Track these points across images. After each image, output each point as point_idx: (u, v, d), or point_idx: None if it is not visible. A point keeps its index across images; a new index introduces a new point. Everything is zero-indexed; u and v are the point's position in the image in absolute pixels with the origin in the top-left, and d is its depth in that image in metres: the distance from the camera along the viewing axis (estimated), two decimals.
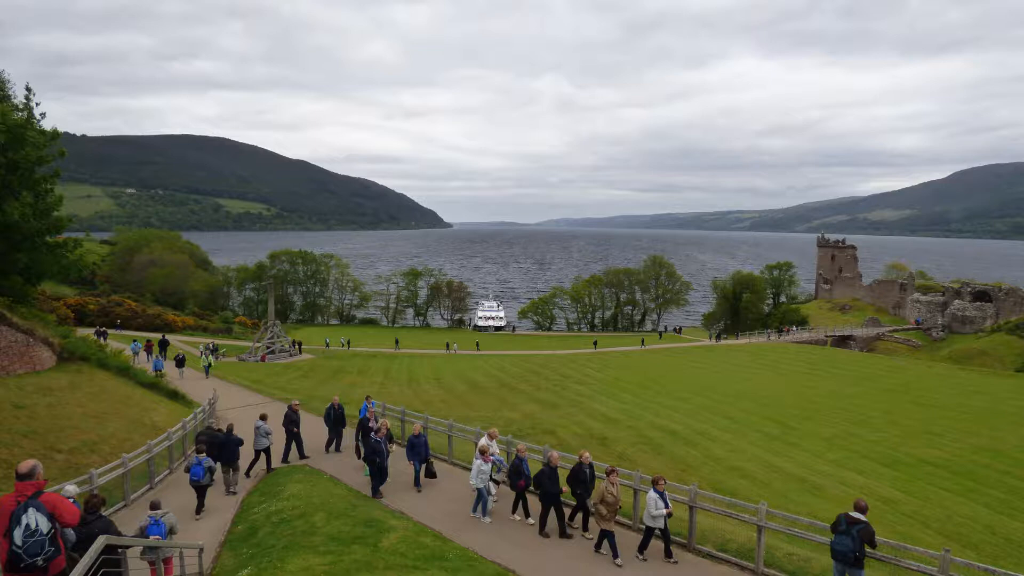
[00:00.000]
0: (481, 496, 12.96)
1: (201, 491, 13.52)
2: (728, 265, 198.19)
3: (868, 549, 9.51)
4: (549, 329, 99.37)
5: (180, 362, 35.23)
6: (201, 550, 10.01)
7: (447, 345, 67.93)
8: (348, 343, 66.77)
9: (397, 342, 68.31)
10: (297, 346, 54.99)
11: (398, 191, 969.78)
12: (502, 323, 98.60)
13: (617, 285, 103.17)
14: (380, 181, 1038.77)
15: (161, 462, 16.64)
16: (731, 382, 43.47)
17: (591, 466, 12.17)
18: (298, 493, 13.77)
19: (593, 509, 11.39)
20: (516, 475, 12.75)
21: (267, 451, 16.67)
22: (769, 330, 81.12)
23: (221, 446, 15.02)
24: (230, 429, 15.37)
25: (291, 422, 17.51)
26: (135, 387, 22.81)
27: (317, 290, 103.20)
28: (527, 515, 12.94)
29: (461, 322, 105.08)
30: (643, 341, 71.23)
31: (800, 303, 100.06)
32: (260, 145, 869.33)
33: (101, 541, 6.82)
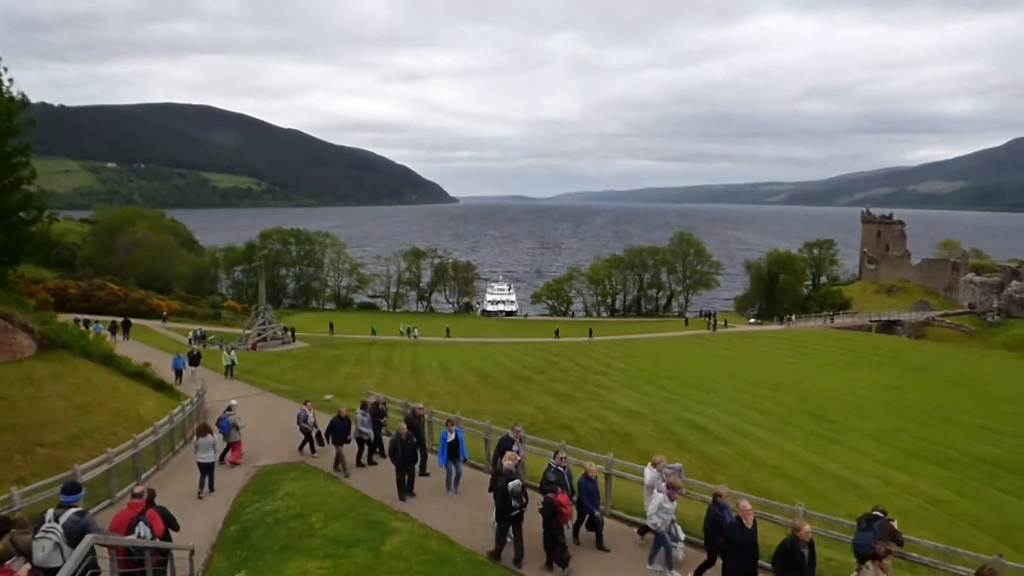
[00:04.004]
0: (662, 542, 10.77)
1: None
2: (763, 243, 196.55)
3: (896, 548, 9.57)
4: (565, 314, 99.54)
5: (195, 359, 31.83)
6: (192, 551, 10.23)
7: (407, 331, 64.54)
8: (448, 331, 66.36)
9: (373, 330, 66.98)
10: (290, 333, 55.45)
11: (399, 163, 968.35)
12: (513, 308, 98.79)
13: (640, 266, 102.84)
14: (379, 152, 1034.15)
15: (148, 457, 16.93)
16: (767, 372, 43.37)
17: (812, 545, 9.02)
18: (294, 492, 13.99)
19: None
20: (714, 528, 9.96)
21: (367, 442, 17.04)
22: (784, 316, 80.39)
23: (333, 427, 16.62)
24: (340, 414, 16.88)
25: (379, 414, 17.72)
26: (120, 377, 23.18)
27: (311, 272, 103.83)
28: None
29: (469, 307, 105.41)
30: (591, 332, 66.68)
31: (842, 284, 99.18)
32: (248, 114, 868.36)
33: (88, 540, 7.26)
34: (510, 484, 10.78)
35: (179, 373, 29.76)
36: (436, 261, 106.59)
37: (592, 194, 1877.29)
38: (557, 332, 68.41)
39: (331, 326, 66.05)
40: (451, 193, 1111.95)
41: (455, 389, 35.48)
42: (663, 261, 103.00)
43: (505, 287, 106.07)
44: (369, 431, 16.93)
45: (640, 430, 26.62)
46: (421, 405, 17.13)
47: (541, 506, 10.98)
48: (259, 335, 51.64)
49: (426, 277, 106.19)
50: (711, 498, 10.49)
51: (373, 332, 65.57)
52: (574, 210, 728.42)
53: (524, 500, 11.01)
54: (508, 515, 10.93)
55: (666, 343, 61.23)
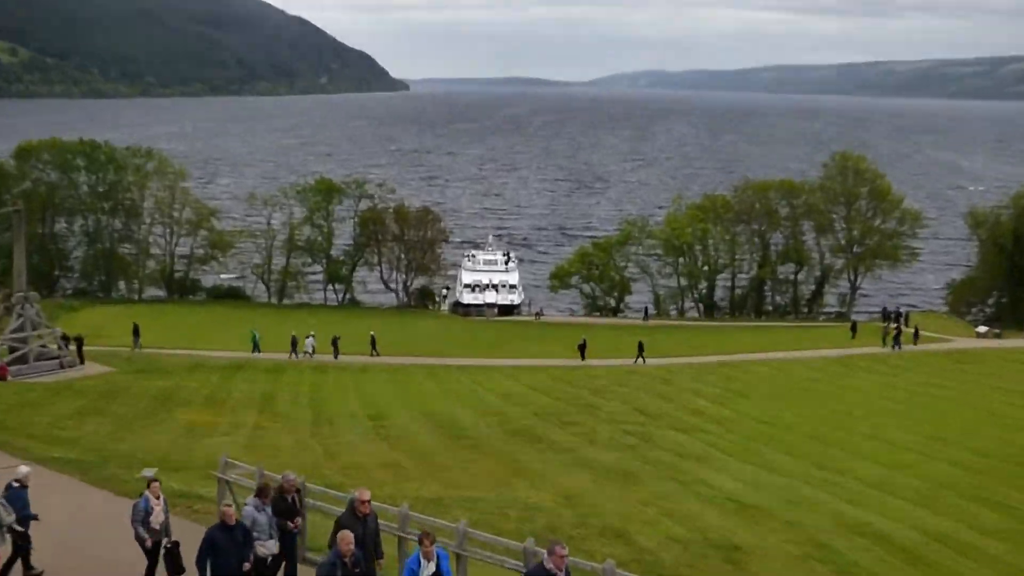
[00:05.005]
0: None
1: None
2: (1004, 176, 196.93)
3: None
4: (616, 311, 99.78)
5: None
6: None
7: (292, 344, 66.32)
8: (374, 342, 68.56)
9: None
10: (75, 346, 55.31)
11: (293, 13, 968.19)
12: (514, 298, 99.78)
13: (765, 219, 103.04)
14: None
15: None
16: (1008, 432, 43.26)
17: None
18: None
19: None
20: None
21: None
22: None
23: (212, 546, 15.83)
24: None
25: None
26: None
27: (119, 226, 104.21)
28: None
29: (428, 296, 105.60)
30: (641, 348, 67.87)
31: None
32: None
33: None
34: None
35: None
36: (364, 206, 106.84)
37: (665, 76, 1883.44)
38: (583, 347, 69.62)
39: (136, 330, 66.77)
40: (394, 73, 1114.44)
41: (398, 456, 35.34)
42: (808, 210, 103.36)
43: (498, 258, 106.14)
44: (271, 544, 16.67)
45: (761, 541, 26.32)
46: (368, 496, 16.54)
47: None
48: (13, 351, 51.49)
49: (344, 236, 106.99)
50: None
51: (255, 346, 66.53)
52: (632, 106, 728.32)
53: None
54: None
55: (807, 371, 61.40)
